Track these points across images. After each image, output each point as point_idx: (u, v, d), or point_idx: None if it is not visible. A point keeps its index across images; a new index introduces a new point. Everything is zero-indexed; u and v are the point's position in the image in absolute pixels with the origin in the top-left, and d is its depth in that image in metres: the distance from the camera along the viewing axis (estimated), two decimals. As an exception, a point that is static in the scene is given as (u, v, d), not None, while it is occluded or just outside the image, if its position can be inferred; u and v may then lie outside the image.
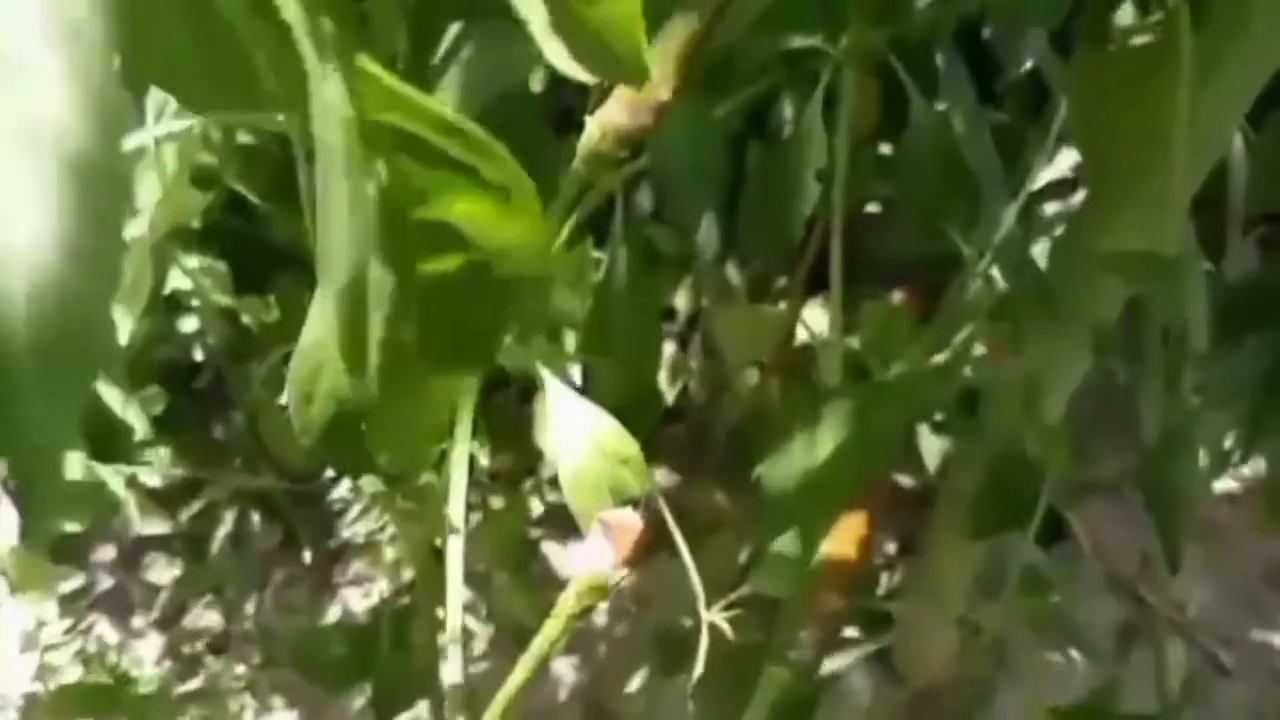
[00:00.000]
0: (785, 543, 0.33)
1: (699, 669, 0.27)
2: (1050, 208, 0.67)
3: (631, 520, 0.29)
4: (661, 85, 0.27)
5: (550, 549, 0.88)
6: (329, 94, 0.18)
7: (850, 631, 0.77)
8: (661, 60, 0.27)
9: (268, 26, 0.18)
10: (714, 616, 0.29)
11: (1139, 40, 0.36)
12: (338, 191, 0.19)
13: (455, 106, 0.35)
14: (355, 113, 0.18)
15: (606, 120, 0.29)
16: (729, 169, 0.39)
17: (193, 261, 0.70)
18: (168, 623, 0.93)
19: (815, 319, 0.72)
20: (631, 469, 0.31)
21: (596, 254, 0.58)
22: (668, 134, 0.36)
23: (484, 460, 0.81)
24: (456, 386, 0.26)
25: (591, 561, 0.29)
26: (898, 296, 0.70)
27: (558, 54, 0.23)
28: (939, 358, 0.45)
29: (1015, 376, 0.43)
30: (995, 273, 0.48)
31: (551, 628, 0.29)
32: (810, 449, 0.36)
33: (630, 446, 0.32)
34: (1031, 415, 0.43)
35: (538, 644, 0.29)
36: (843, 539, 0.36)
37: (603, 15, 0.22)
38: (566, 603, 0.29)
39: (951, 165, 0.37)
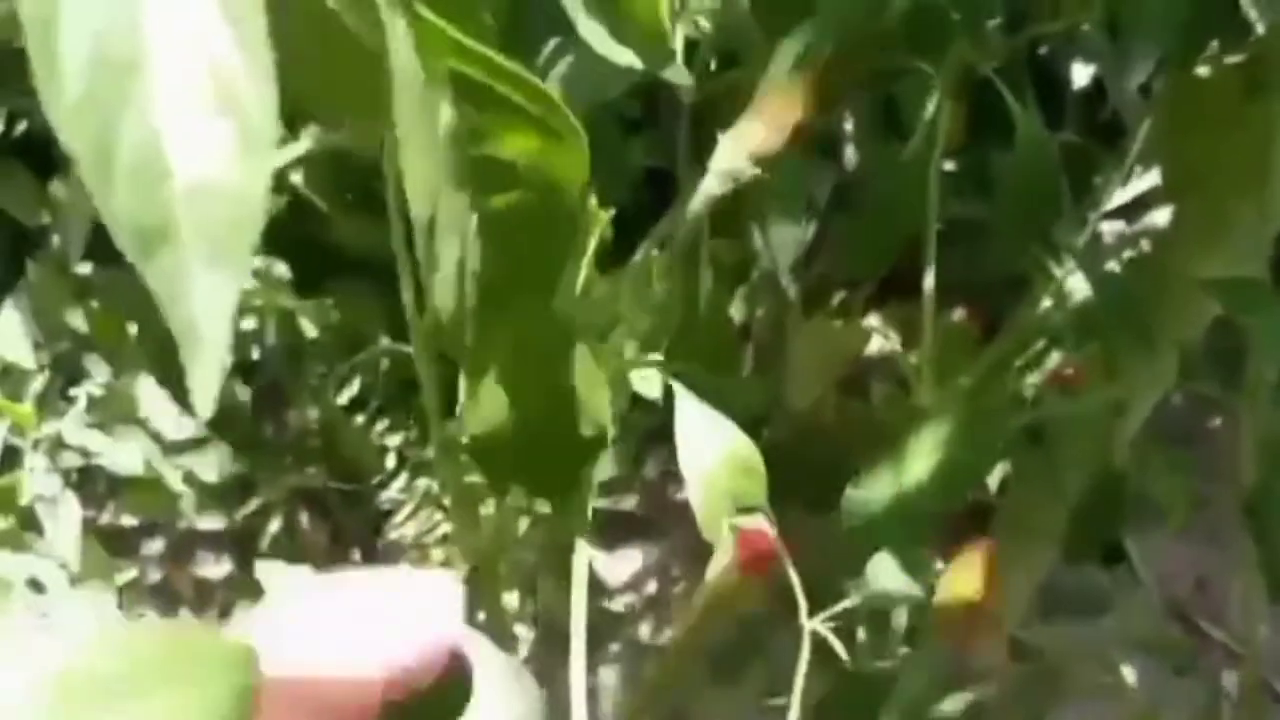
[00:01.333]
0: (883, 567, 0.33)
1: (799, 681, 0.27)
2: (1110, 234, 0.67)
3: (763, 531, 0.29)
4: (798, 107, 0.28)
5: (595, 555, 0.88)
6: (398, 44, 0.20)
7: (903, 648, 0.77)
8: (798, 84, 0.28)
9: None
10: (816, 625, 0.29)
11: (1229, 69, 0.36)
12: (413, 130, 0.21)
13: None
14: (421, 57, 0.21)
15: (746, 137, 0.30)
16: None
17: (254, 262, 0.70)
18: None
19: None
20: (754, 480, 0.32)
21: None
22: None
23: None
24: (601, 403, 0.28)
25: (722, 567, 0.29)
26: (958, 314, 0.69)
27: (599, 38, 0.25)
28: (1029, 380, 0.45)
29: (1100, 399, 0.43)
30: (1069, 291, 0.48)
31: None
32: (898, 472, 0.35)
33: (755, 458, 0.32)
34: (1117, 438, 0.42)
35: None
36: (969, 578, 0.35)
37: (634, 5, 0.25)
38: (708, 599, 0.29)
39: (1050, 182, 0.37)
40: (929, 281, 0.38)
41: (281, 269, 0.75)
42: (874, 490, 0.36)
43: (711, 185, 0.31)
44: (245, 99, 0.19)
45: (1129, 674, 0.71)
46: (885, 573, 0.33)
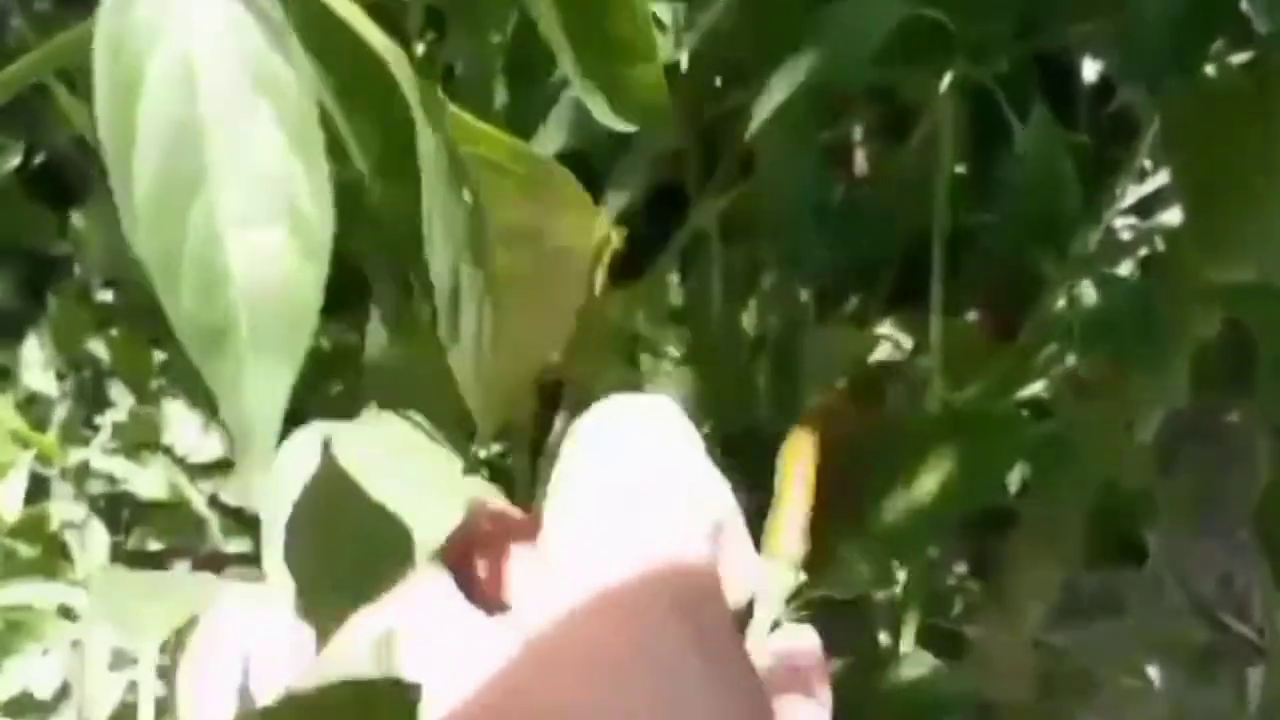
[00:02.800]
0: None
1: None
2: (1125, 228, 0.67)
3: None
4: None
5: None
6: (430, 136, 0.22)
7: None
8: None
9: (383, 90, 0.23)
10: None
11: (1235, 73, 0.36)
12: (439, 212, 0.23)
13: (555, 145, 0.37)
14: (449, 148, 0.23)
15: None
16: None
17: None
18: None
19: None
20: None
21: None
22: (775, 168, 0.36)
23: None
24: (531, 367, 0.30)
25: None
26: (971, 317, 0.69)
27: (599, 107, 0.26)
28: (1036, 387, 0.45)
29: (1114, 404, 0.43)
30: (1082, 293, 0.48)
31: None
32: (910, 484, 0.36)
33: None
34: (1131, 443, 0.42)
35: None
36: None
37: (634, 74, 0.27)
38: None
39: (1056, 197, 0.37)
40: (936, 290, 0.38)
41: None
42: (888, 503, 0.36)
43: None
44: (302, 207, 0.20)
45: (1153, 674, 0.71)
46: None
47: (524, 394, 0.28)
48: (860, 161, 0.69)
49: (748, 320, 0.85)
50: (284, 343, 0.21)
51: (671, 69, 0.39)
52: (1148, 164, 0.58)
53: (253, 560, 0.94)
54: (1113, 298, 0.39)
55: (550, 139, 0.36)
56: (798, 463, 0.31)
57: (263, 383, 0.21)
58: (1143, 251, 0.54)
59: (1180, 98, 0.36)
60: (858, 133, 0.67)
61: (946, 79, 0.34)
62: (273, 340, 0.21)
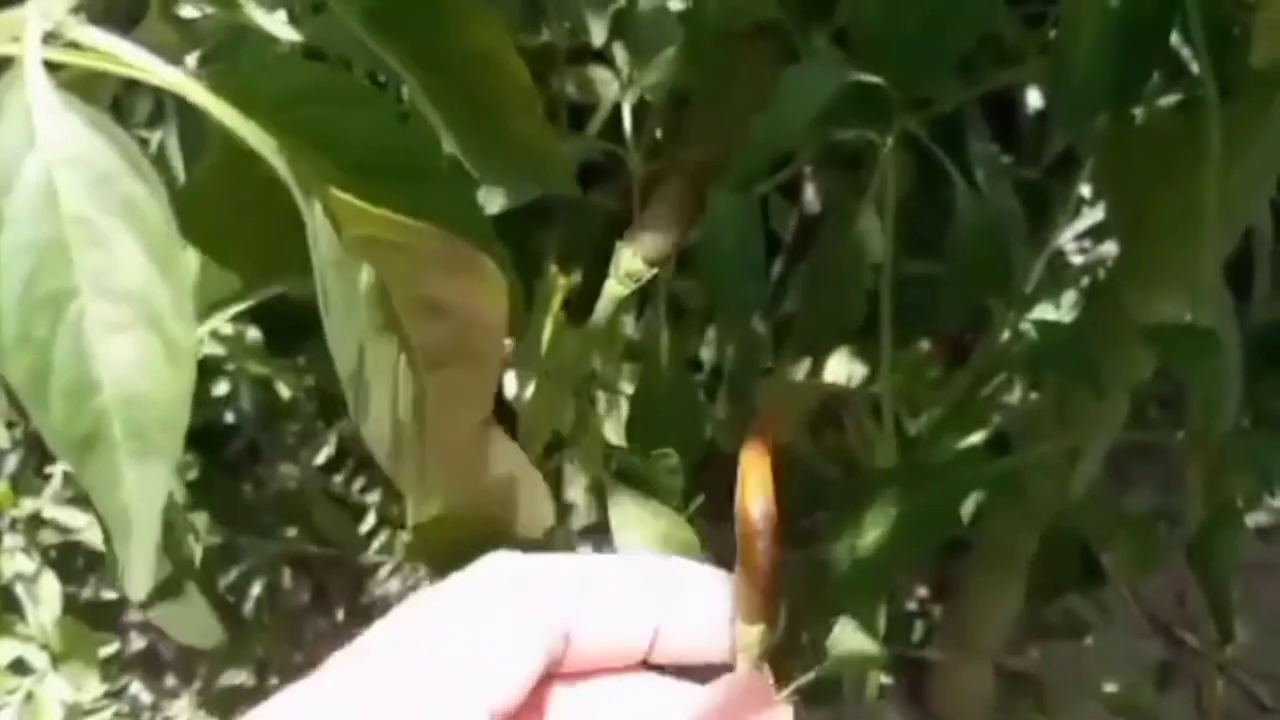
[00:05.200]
0: (845, 633, 0.34)
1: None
2: (1076, 251, 0.68)
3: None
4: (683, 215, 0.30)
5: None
6: (316, 222, 0.23)
7: (884, 678, 0.77)
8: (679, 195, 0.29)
9: (261, 180, 0.23)
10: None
11: (1166, 113, 0.37)
12: (334, 294, 0.24)
13: (500, 205, 0.37)
14: (336, 231, 0.23)
15: (639, 244, 0.32)
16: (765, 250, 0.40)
17: (226, 328, 0.71)
18: (201, 682, 0.93)
19: (843, 366, 0.73)
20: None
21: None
22: (714, 223, 0.37)
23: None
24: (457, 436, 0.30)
25: None
26: (925, 345, 0.70)
27: (488, 170, 0.26)
28: (977, 421, 0.45)
29: (1055, 443, 0.43)
30: (1025, 329, 0.49)
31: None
32: (859, 535, 0.36)
33: (690, 539, 0.33)
34: (1073, 479, 0.43)
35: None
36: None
37: (523, 127, 0.27)
38: None
39: (994, 244, 0.38)
40: (886, 335, 0.39)
41: (254, 333, 0.75)
42: (837, 551, 0.37)
43: (614, 290, 0.34)
44: (165, 318, 0.22)
45: (1111, 690, 0.72)
46: (848, 636, 0.34)
47: (456, 458, 0.28)
48: (810, 194, 0.70)
49: (706, 353, 0.85)
50: (158, 444, 0.22)
51: (614, 118, 0.39)
52: (1089, 193, 0.59)
53: (210, 607, 0.92)
54: (1049, 338, 0.40)
55: (492, 199, 0.36)
56: (755, 508, 0.31)
57: (138, 482, 0.22)
58: (1087, 280, 0.55)
59: (1112, 135, 0.37)
60: (808, 167, 0.68)
61: (890, 140, 0.35)
62: (146, 442, 0.22)
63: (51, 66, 0.22)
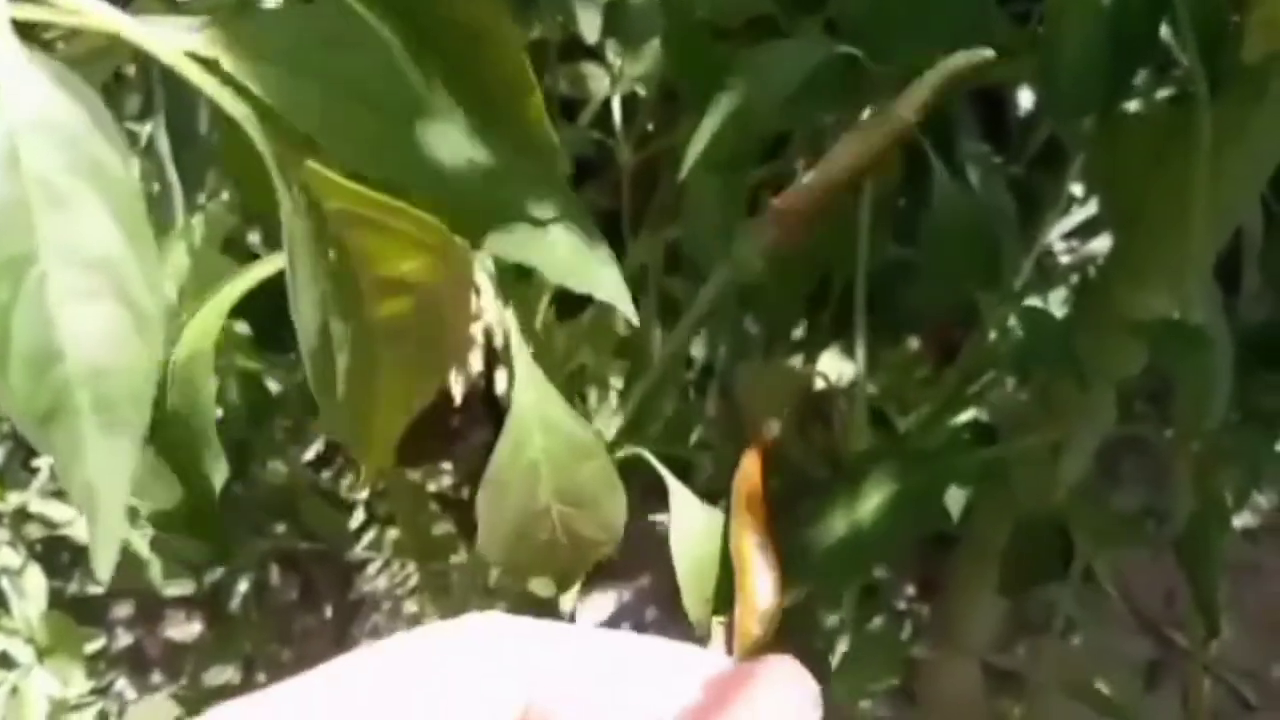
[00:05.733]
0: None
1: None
2: (1065, 250, 0.68)
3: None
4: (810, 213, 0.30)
5: (570, 599, 0.88)
6: (290, 197, 0.23)
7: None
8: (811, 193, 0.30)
9: (245, 149, 0.23)
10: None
11: (1157, 108, 0.37)
12: (302, 269, 0.23)
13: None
14: (309, 204, 0.23)
15: (759, 234, 0.32)
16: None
17: (214, 323, 0.70)
18: (187, 679, 0.93)
19: (834, 365, 0.73)
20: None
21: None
22: (699, 211, 0.37)
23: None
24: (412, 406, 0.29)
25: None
26: (915, 343, 0.70)
27: (480, 153, 0.25)
28: (966, 415, 0.45)
29: (1041, 435, 0.43)
30: (1012, 324, 0.49)
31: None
32: (847, 513, 0.36)
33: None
34: (1058, 473, 0.43)
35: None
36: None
37: (520, 107, 0.27)
38: None
39: (974, 232, 0.38)
40: (860, 323, 0.39)
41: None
42: (827, 529, 0.36)
43: (709, 293, 0.33)
44: (131, 287, 0.21)
45: (1101, 689, 0.72)
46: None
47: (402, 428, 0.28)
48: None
49: (697, 349, 0.85)
50: (125, 416, 0.21)
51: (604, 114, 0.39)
52: (1079, 191, 0.59)
53: (194, 603, 0.92)
54: (1036, 331, 0.40)
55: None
56: (751, 534, 0.31)
57: (106, 456, 0.21)
58: (1076, 278, 0.55)
59: (1103, 130, 0.37)
60: (799, 165, 0.68)
61: (865, 115, 0.35)
62: (114, 415, 0.21)
63: (35, 40, 0.21)
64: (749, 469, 0.33)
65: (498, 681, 0.27)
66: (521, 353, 0.37)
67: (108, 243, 0.21)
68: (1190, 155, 0.32)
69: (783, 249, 0.33)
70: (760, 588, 0.30)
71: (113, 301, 0.21)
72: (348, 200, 0.23)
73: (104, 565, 0.21)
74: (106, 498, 0.21)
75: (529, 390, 0.38)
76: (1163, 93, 0.41)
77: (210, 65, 0.23)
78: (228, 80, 0.23)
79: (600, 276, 0.28)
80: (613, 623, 0.91)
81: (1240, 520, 0.83)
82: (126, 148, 0.21)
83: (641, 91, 0.37)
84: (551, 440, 0.36)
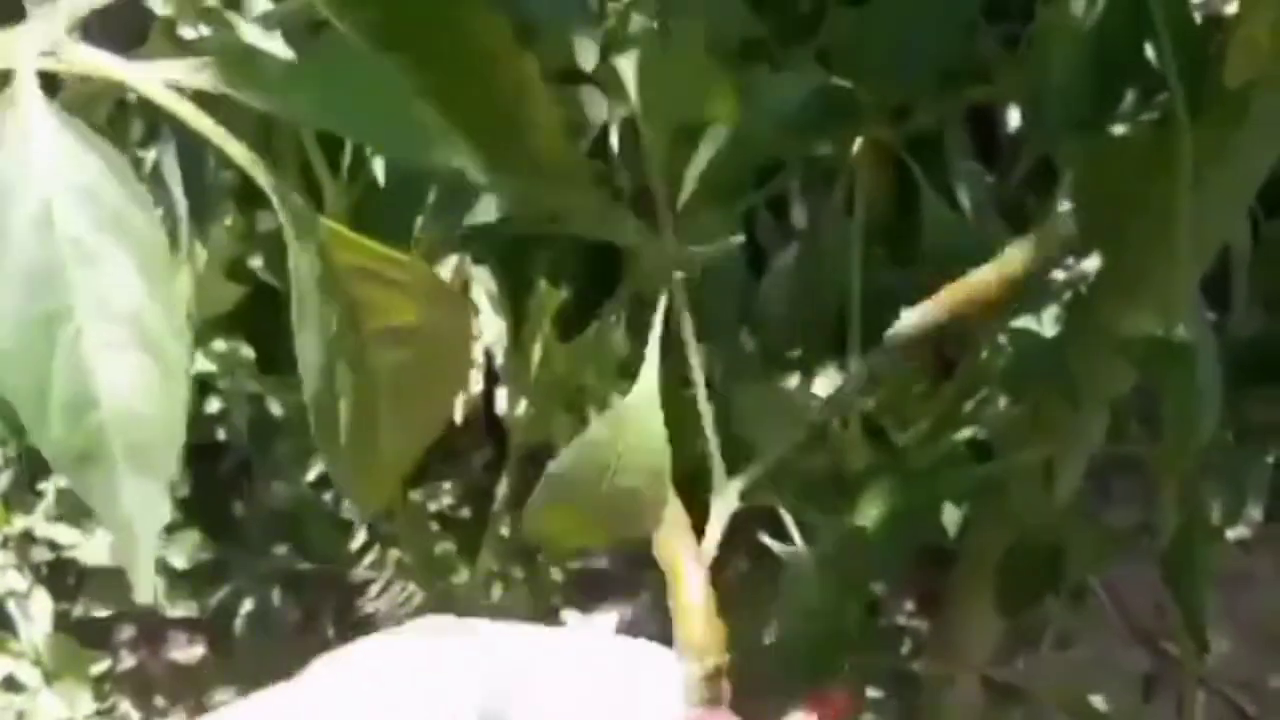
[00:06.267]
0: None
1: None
2: (1059, 270, 0.69)
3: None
4: None
5: (571, 617, 0.88)
6: (300, 248, 0.24)
7: (873, 691, 0.78)
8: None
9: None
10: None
11: (1142, 130, 0.38)
12: (309, 314, 0.24)
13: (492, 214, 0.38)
14: (319, 258, 0.24)
15: None
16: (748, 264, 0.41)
17: (219, 345, 0.71)
18: (191, 700, 0.93)
19: (831, 382, 0.73)
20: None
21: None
22: (695, 235, 0.37)
23: (504, 530, 0.81)
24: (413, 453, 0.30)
25: None
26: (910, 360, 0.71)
27: (504, 171, 0.26)
28: (964, 433, 0.46)
29: (1033, 453, 0.44)
30: (1004, 343, 0.49)
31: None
32: (845, 530, 0.37)
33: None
34: (1050, 491, 0.44)
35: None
36: None
37: (540, 135, 0.27)
38: None
39: (964, 253, 0.39)
40: (854, 343, 0.40)
41: (246, 351, 0.75)
42: (823, 539, 0.37)
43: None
44: (160, 338, 0.22)
45: (1098, 702, 0.73)
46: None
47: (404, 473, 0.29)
48: (799, 213, 0.71)
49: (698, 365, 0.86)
50: (156, 459, 0.22)
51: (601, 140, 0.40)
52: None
53: (197, 625, 0.92)
54: (1026, 351, 0.41)
55: (484, 208, 0.36)
56: (679, 545, 0.31)
57: (139, 496, 0.22)
58: (1066, 296, 0.55)
59: (1088, 152, 0.37)
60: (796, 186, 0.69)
61: (857, 144, 0.36)
62: (145, 459, 0.22)
63: (49, 84, 0.22)
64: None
65: (453, 685, 0.28)
66: (524, 373, 0.37)
67: (135, 296, 0.22)
68: (1174, 176, 0.33)
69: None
70: (691, 585, 0.30)
71: (140, 352, 0.22)
72: (356, 253, 0.24)
73: (145, 592, 0.23)
74: (143, 536, 0.22)
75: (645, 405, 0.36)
76: (1149, 114, 0.42)
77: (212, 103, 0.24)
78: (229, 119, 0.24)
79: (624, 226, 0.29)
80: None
81: (1234, 532, 0.83)
82: (150, 203, 0.22)
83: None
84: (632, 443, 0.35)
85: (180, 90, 0.23)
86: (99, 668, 0.88)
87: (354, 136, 0.25)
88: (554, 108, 0.27)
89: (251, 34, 0.33)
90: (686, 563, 0.31)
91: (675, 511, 0.32)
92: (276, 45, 0.32)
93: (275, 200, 0.23)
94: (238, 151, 0.23)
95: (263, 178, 0.23)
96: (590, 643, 0.31)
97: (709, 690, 0.30)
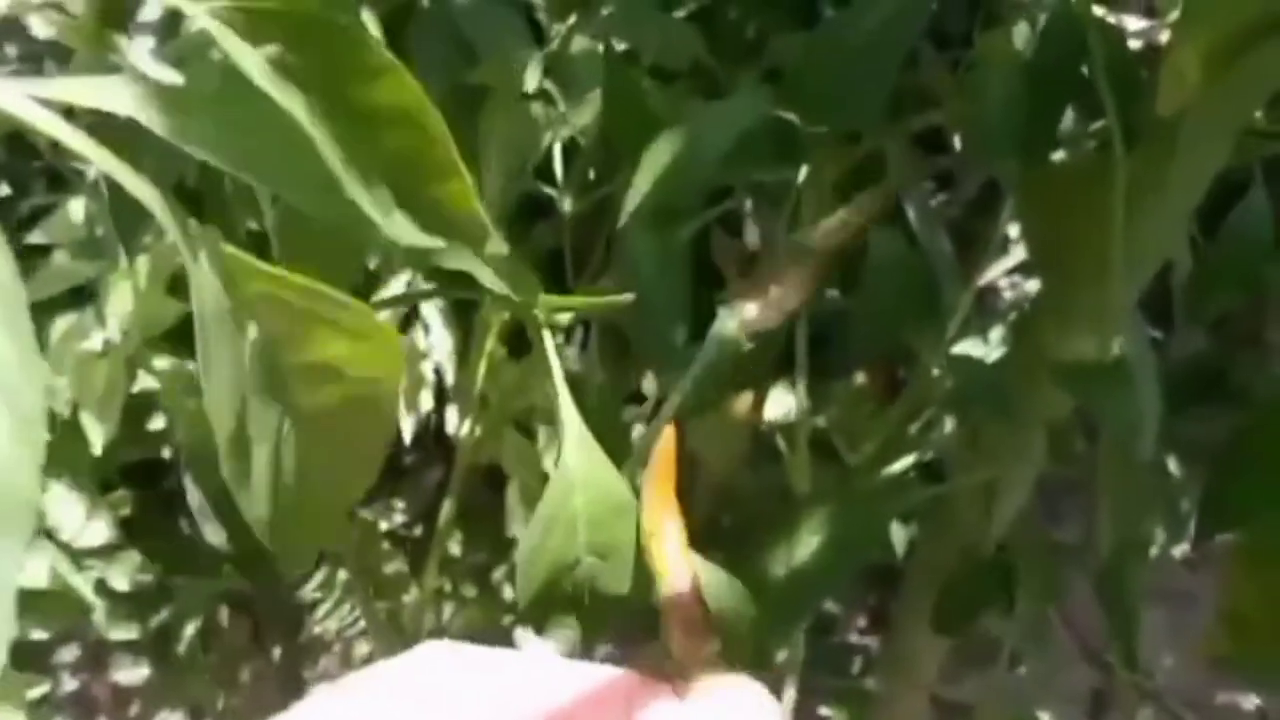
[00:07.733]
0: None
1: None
2: (1008, 286, 0.69)
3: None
4: (800, 292, 0.31)
5: (524, 636, 0.88)
6: (202, 278, 0.22)
7: (825, 710, 0.78)
8: (803, 270, 0.30)
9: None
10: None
11: (1082, 155, 0.39)
12: (217, 352, 0.23)
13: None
14: (225, 288, 0.23)
15: (743, 313, 0.33)
16: (693, 285, 0.41)
17: (162, 362, 0.70)
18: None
19: (782, 400, 0.74)
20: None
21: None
22: (637, 259, 0.37)
23: (456, 549, 0.81)
24: (342, 504, 0.29)
25: None
26: (861, 378, 0.71)
27: (405, 230, 0.25)
28: (909, 460, 0.46)
29: (977, 474, 0.44)
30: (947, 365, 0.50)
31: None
32: (789, 551, 0.37)
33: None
34: (998, 510, 0.44)
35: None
36: None
37: (445, 192, 0.26)
38: None
39: (910, 277, 0.39)
40: (801, 365, 0.40)
41: (191, 366, 0.74)
42: (773, 565, 0.37)
43: (710, 352, 0.34)
44: (15, 393, 0.20)
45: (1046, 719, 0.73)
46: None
47: (339, 524, 0.27)
48: (751, 232, 0.71)
49: (650, 386, 0.86)
50: (11, 515, 0.20)
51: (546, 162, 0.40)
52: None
53: (141, 646, 0.90)
54: (966, 376, 0.41)
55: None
56: (658, 489, 0.31)
57: None
58: (1013, 316, 0.56)
59: (1027, 176, 0.38)
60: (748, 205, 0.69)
61: (802, 173, 0.36)
62: None
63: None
64: (667, 443, 0.33)
65: (450, 714, 0.27)
66: (570, 410, 0.36)
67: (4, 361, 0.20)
68: (1109, 202, 0.34)
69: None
70: (674, 569, 0.30)
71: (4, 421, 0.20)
72: (266, 284, 0.23)
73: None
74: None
75: (579, 450, 0.36)
76: (1089, 140, 0.42)
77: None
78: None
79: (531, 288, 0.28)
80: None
81: (1181, 550, 0.84)
82: (5, 242, 0.20)
83: (581, 140, 0.38)
84: (592, 496, 0.35)
85: (70, 113, 0.22)
86: (38, 691, 0.86)
87: (251, 176, 0.23)
88: (465, 175, 0.26)
89: (140, 62, 0.32)
90: (672, 543, 0.31)
91: (667, 478, 0.32)
92: (169, 76, 0.31)
93: (166, 225, 0.22)
94: (126, 178, 0.22)
95: (159, 210, 0.22)
96: (585, 673, 0.30)
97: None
